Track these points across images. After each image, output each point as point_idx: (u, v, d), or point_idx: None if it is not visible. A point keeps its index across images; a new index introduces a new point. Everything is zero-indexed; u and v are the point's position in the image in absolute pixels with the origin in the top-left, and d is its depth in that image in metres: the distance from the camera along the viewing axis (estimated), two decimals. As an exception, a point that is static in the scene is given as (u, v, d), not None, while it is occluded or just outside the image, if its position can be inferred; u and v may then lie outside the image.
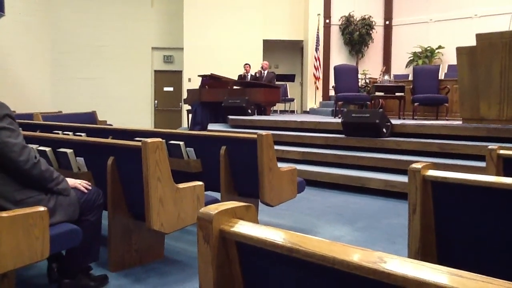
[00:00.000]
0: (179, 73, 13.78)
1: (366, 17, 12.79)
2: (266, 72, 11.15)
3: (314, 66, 12.77)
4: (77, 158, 3.16)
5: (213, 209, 1.06)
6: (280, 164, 3.64)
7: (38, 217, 2.15)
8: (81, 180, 2.66)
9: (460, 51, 6.12)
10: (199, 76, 11.07)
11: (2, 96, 11.01)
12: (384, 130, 6.25)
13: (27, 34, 12.69)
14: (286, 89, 12.58)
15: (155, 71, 14.28)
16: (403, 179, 5.19)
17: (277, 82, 11.83)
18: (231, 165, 3.67)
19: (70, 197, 2.47)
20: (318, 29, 12.74)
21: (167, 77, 14.24)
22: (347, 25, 12.85)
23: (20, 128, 2.42)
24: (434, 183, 1.81)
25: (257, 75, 11.22)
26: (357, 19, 12.81)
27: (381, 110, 6.70)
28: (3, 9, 10.26)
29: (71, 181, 2.57)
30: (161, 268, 3.11)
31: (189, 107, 11.07)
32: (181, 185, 2.83)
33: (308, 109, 12.75)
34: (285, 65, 14.73)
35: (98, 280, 2.80)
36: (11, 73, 12.27)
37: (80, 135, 4.33)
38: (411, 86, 8.65)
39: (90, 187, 2.64)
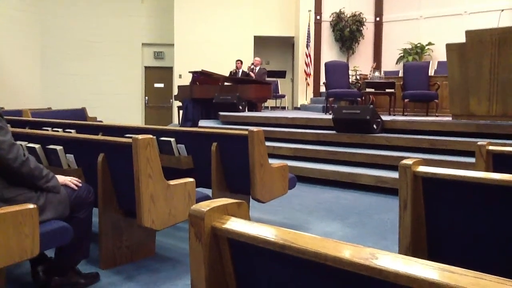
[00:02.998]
0: (169, 69, 13.72)
1: (357, 13, 12.82)
2: (258, 68, 11.14)
3: (305, 63, 12.77)
4: (67, 155, 3.14)
5: (204, 206, 1.05)
6: (271, 161, 3.65)
7: (28, 215, 2.13)
8: (72, 177, 2.64)
9: (450, 47, 6.15)
10: (190, 72, 11.03)
11: (-10, 92, 10.86)
12: (375, 126, 6.27)
13: (16, 29, 12.56)
14: (277, 86, 12.59)
15: (145, 67, 14.20)
16: (394, 175, 5.22)
17: (268, 79, 11.82)
18: (222, 161, 3.66)
19: (60, 194, 2.45)
20: (309, 26, 12.74)
21: (158, 74, 14.18)
22: (338, 21, 12.87)
23: (9, 125, 2.39)
24: (424, 179, 1.82)
25: (248, 71, 11.21)
26: (348, 16, 12.83)
27: (371, 106, 6.72)
28: (-9, 4, 10.14)
29: (61, 178, 2.54)
30: (153, 265, 3.10)
31: (180, 104, 11.03)
32: (172, 182, 2.82)
33: (299, 106, 12.76)
34: (276, 62, 14.72)
35: (89, 277, 2.79)
36: (0, 68, 12.14)
37: (70, 132, 4.30)
38: (401, 83, 8.69)
39: (80, 184, 2.62)
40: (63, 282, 2.65)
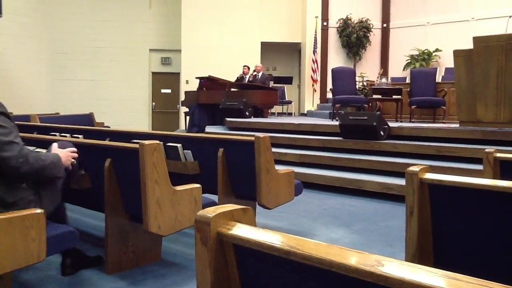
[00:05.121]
0: (176, 75, 13.79)
1: (364, 19, 12.83)
2: (260, 74, 11.15)
3: (312, 69, 12.79)
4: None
5: (210, 211, 1.05)
6: (277, 167, 3.65)
7: (35, 219, 2.14)
8: (68, 150, 2.60)
9: (457, 54, 6.14)
10: (196, 78, 11.07)
11: (-1, 97, 10.88)
12: (381, 132, 6.26)
13: (24, 35, 12.68)
14: (283, 92, 12.60)
15: (152, 73, 14.27)
16: (400, 181, 5.20)
17: (274, 85, 11.83)
18: (228, 167, 3.66)
19: (55, 184, 2.47)
20: (315, 32, 12.77)
21: (165, 79, 14.24)
22: (345, 27, 12.89)
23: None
24: (431, 186, 1.81)
25: (250, 78, 11.22)
26: (355, 22, 12.85)
27: (378, 112, 6.71)
28: (0, 10, 10.25)
29: (60, 154, 2.50)
30: (158, 270, 3.11)
31: (187, 109, 11.07)
32: (178, 188, 2.82)
33: (305, 112, 12.76)
34: (282, 68, 14.75)
35: (94, 257, 3.05)
36: (8, 74, 12.25)
37: (78, 137, 4.32)
38: (408, 89, 8.68)
39: (76, 155, 2.63)
40: (73, 262, 2.89)
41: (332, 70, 9.17)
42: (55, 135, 4.45)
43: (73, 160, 2.58)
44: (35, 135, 4.14)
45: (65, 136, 4.31)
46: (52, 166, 2.36)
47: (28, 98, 12.61)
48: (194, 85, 11.59)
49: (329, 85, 10.40)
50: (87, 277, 2.91)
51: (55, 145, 2.61)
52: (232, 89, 10.49)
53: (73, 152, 2.61)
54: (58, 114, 10.50)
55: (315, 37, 12.74)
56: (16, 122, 2.40)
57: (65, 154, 2.54)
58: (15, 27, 12.26)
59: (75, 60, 13.59)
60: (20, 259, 2.09)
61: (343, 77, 8.96)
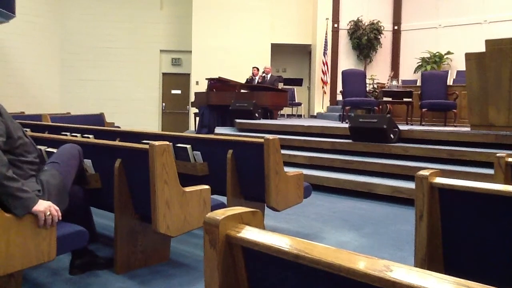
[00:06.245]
0: (187, 76, 13.84)
1: (375, 21, 12.79)
2: (269, 75, 11.16)
3: (322, 71, 12.76)
4: (85, 160, 3.17)
5: (219, 214, 1.06)
6: (286, 169, 3.64)
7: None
8: (52, 209, 2.19)
9: (469, 56, 6.09)
10: (206, 79, 11.11)
11: (11, 96, 11.11)
12: (392, 135, 6.22)
13: (36, 35, 12.81)
14: (293, 93, 12.59)
15: (163, 73, 14.34)
16: (411, 185, 5.16)
17: (284, 86, 11.82)
18: (237, 169, 3.67)
19: (58, 183, 2.45)
20: (326, 34, 12.75)
21: (175, 80, 14.30)
22: (356, 29, 12.85)
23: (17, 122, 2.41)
24: (441, 190, 1.80)
25: (259, 80, 11.23)
26: (366, 24, 12.81)
27: (388, 115, 6.68)
28: (14, 11, 10.36)
29: (44, 205, 2.16)
30: (167, 270, 3.12)
31: (197, 110, 11.10)
32: (187, 189, 2.83)
33: (315, 114, 12.74)
34: (293, 69, 14.75)
35: (106, 259, 3.05)
36: (20, 74, 12.38)
37: (88, 137, 4.35)
38: (419, 92, 8.62)
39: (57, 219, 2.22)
40: (83, 262, 2.91)
41: (343, 72, 9.14)
42: (66, 135, 4.49)
43: (45, 219, 2.15)
44: (46, 135, 4.18)
45: (76, 136, 4.35)
46: (10, 190, 2.05)
47: (40, 97, 12.74)
48: (204, 86, 11.63)
49: (339, 87, 10.37)
50: (96, 276, 2.93)
51: (45, 203, 2.19)
52: (242, 91, 10.51)
53: (55, 211, 2.20)
54: (69, 114, 10.58)
55: (326, 39, 12.72)
56: (27, 122, 2.42)
57: (46, 208, 2.16)
58: (27, 27, 12.39)
59: (86, 60, 13.70)
60: (31, 257, 2.12)
61: (353, 79, 8.93)
